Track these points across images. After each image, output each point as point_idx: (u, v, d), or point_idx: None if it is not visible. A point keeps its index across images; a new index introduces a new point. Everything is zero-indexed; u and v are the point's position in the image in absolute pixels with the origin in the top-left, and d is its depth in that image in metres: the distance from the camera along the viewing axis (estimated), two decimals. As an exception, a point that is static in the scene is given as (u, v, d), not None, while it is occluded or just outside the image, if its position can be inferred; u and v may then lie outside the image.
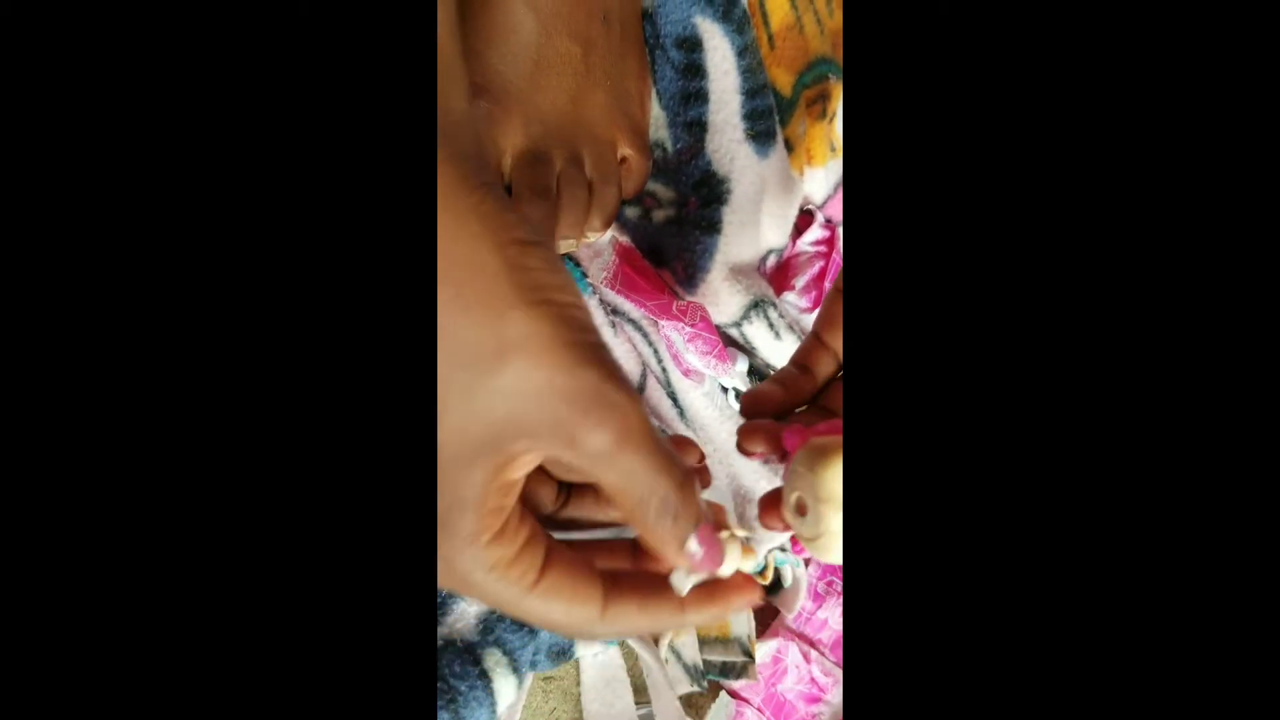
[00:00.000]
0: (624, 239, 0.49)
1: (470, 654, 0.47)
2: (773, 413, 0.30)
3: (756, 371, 0.50)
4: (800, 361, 0.31)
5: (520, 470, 0.23)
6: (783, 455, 0.28)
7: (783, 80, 0.51)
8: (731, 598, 0.26)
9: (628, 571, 0.27)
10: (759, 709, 0.50)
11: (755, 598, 0.26)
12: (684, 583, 0.26)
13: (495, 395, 0.22)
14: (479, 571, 0.24)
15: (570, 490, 0.29)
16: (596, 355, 0.22)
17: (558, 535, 0.26)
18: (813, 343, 0.32)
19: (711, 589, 0.26)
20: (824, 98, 0.51)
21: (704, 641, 0.50)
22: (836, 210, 0.51)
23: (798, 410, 0.31)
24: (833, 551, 0.25)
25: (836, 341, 0.31)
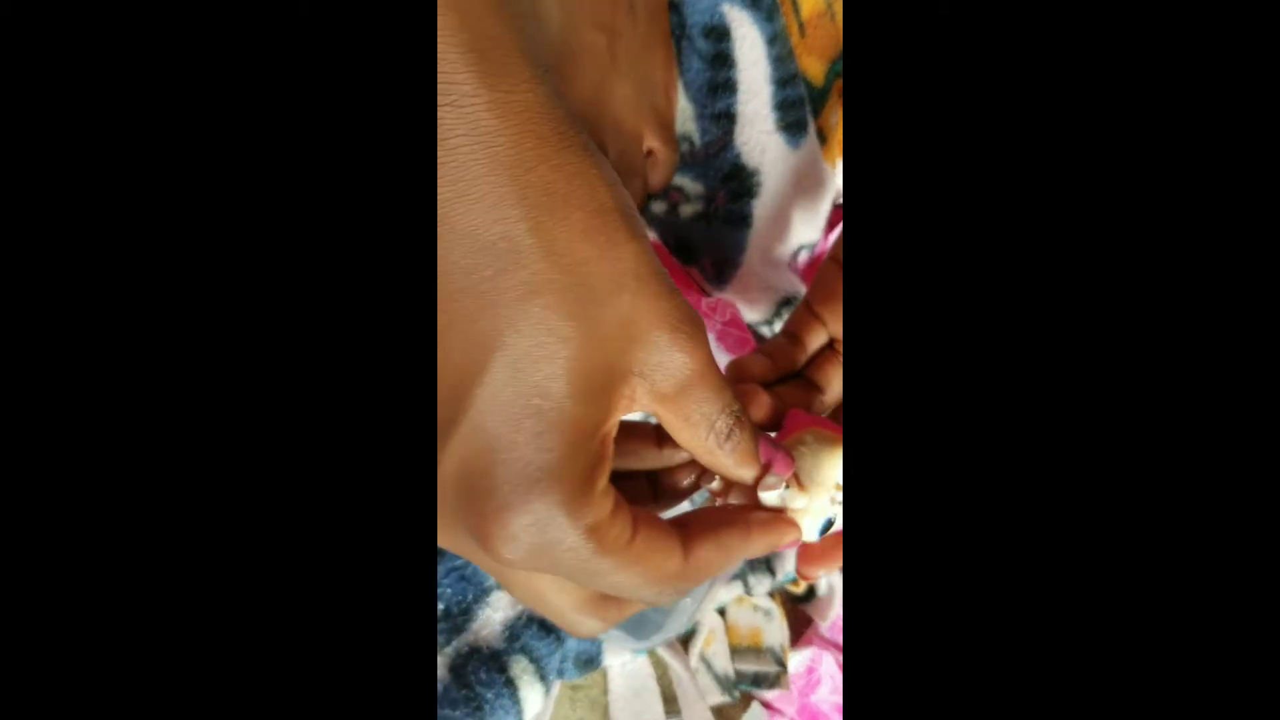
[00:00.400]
0: (650, 235, 0.48)
1: (496, 661, 0.47)
2: (757, 382, 0.30)
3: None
4: (791, 330, 0.31)
5: (622, 416, 0.24)
6: (775, 429, 0.29)
7: (814, 69, 0.49)
8: (784, 530, 0.27)
9: (687, 517, 0.27)
10: (793, 720, 0.48)
11: (799, 535, 0.28)
12: (772, 494, 0.27)
13: (613, 326, 0.22)
14: (575, 535, 0.22)
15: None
16: (675, 285, 0.24)
17: None
18: (804, 312, 0.31)
19: (767, 521, 0.27)
20: (857, 87, 0.49)
21: (736, 651, 0.49)
22: (871, 203, 0.50)
23: (786, 381, 0.31)
24: (807, 530, 0.28)
25: (826, 311, 0.31)
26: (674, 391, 0.23)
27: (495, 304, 0.21)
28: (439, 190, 0.21)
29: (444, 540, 0.24)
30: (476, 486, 0.22)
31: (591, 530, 0.23)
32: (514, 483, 0.22)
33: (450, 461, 0.22)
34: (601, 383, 0.22)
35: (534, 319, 0.21)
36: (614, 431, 0.24)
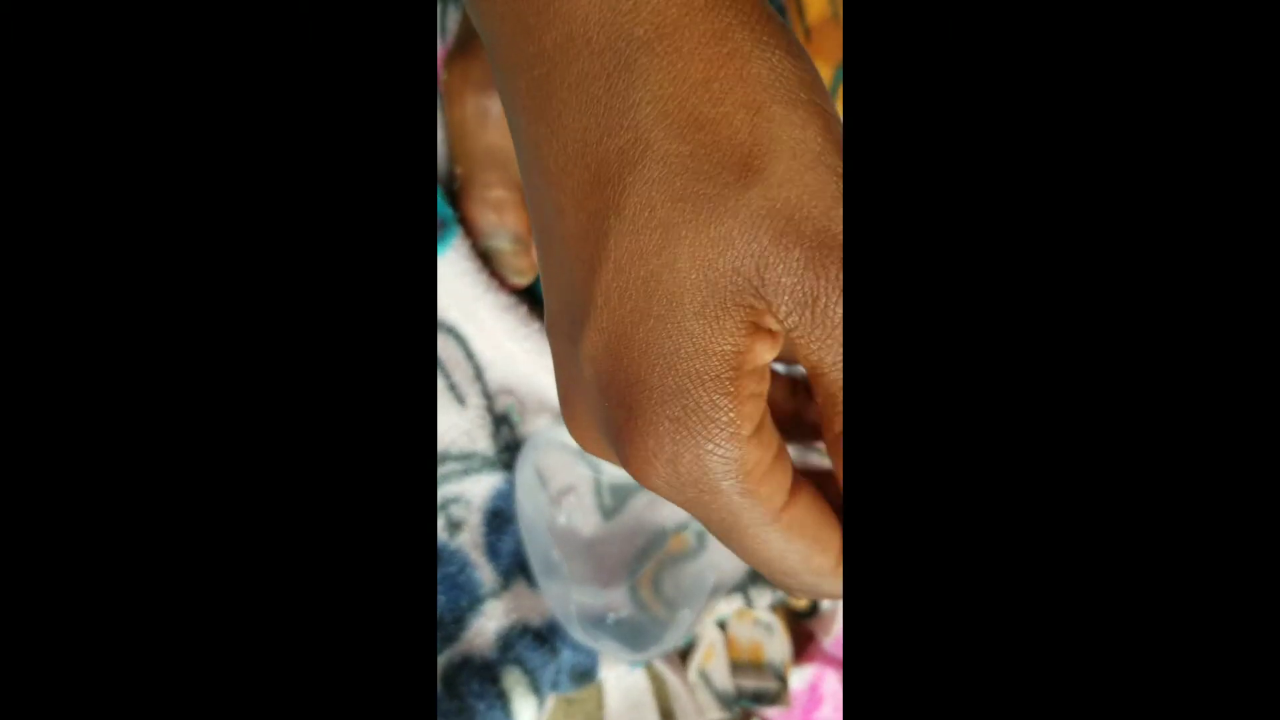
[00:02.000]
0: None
1: (488, 672, 0.46)
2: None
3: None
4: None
5: (770, 343, 0.18)
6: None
7: (821, 74, 0.49)
8: None
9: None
10: (794, 739, 0.47)
11: None
12: None
13: (742, 215, 0.17)
14: (726, 477, 0.18)
15: None
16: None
17: None
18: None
19: None
20: (864, 93, 0.49)
21: (736, 666, 0.48)
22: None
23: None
24: None
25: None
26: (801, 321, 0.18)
27: (601, 177, 0.17)
28: (545, 36, 0.17)
29: (583, 440, 0.21)
30: (609, 395, 0.18)
31: (740, 477, 0.18)
32: (643, 407, 0.18)
33: (585, 364, 0.19)
34: (725, 295, 0.17)
35: (637, 197, 0.17)
36: (768, 366, 0.18)
